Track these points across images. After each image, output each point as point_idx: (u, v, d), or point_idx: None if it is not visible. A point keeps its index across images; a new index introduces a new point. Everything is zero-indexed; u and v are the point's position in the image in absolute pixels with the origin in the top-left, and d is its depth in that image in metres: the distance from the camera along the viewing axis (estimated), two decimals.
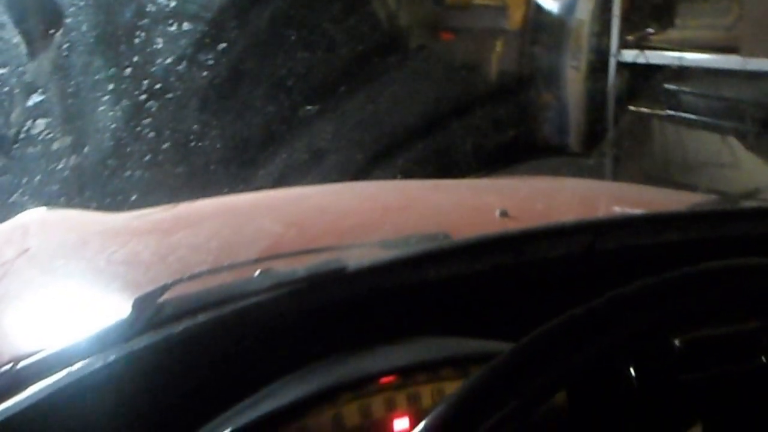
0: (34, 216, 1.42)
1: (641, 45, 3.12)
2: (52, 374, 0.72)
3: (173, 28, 1.94)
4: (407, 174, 1.90)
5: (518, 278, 0.94)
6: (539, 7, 3.40)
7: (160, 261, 1.10)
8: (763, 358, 0.92)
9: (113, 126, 1.72)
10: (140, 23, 1.91)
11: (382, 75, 2.42)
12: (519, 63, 3.41)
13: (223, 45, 1.94)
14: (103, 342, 0.83)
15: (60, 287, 1.06)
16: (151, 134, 1.72)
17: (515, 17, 3.43)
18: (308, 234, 1.22)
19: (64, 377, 0.69)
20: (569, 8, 3.32)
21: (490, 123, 2.71)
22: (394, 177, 1.80)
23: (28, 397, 0.67)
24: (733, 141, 2.69)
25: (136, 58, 1.89)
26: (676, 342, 0.89)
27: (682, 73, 2.95)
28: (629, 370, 0.87)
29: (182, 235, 1.20)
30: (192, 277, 0.86)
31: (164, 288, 0.81)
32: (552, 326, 0.60)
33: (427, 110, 2.43)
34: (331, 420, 0.72)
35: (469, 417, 0.55)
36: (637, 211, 1.19)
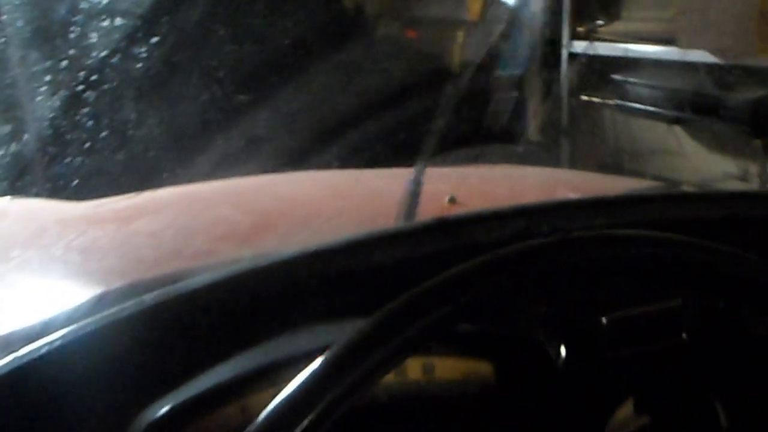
0: None
1: (591, 36, 3.20)
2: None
3: (106, 23, 1.98)
4: (363, 161, 1.96)
5: (456, 261, 0.98)
6: None
7: (117, 248, 1.14)
8: (684, 335, 0.98)
9: (52, 115, 1.75)
10: (74, 19, 1.95)
11: (334, 62, 2.47)
12: (477, 53, 3.45)
13: (156, 39, 1.98)
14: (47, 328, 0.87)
15: (16, 276, 1.09)
16: (89, 123, 1.75)
17: (474, 8, 3.48)
18: (264, 221, 1.26)
19: (8, 362, 0.71)
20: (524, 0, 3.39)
21: (450, 113, 2.76)
22: (349, 164, 1.85)
23: None
24: (678, 129, 2.78)
25: (71, 52, 1.92)
26: (603, 320, 0.95)
27: (628, 63, 3.03)
28: (558, 348, 0.92)
29: (141, 223, 1.23)
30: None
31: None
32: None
33: (381, 97, 2.49)
34: (271, 398, 0.76)
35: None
36: (572, 196, 1.24)
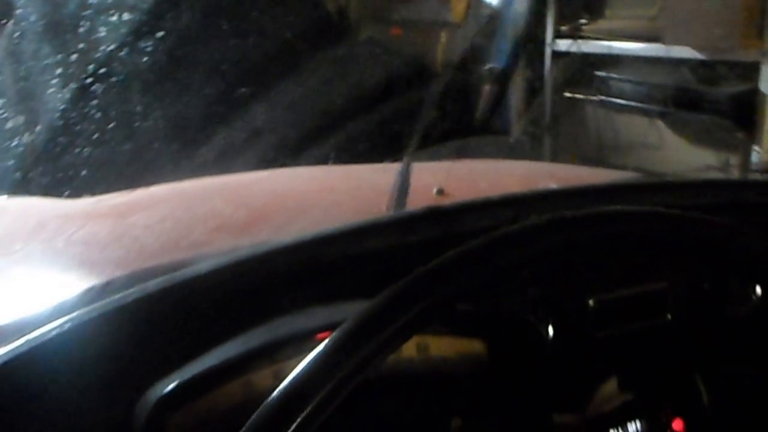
0: None
1: (574, 35, 3.26)
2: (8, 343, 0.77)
3: (114, 18, 2.03)
4: (351, 158, 2.01)
5: (449, 248, 1.02)
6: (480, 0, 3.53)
7: (116, 240, 1.16)
8: (669, 316, 1.02)
9: (63, 107, 1.79)
10: (84, 14, 2.01)
11: (318, 64, 2.52)
12: (462, 52, 3.50)
13: (161, 33, 2.04)
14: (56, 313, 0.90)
15: (20, 268, 1.11)
16: (98, 114, 1.79)
17: (458, 10, 3.53)
18: (258, 214, 1.29)
19: (21, 344, 0.74)
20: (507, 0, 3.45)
21: (435, 109, 2.82)
22: (338, 161, 1.89)
23: None
24: (659, 123, 2.84)
25: (81, 45, 1.97)
26: (590, 302, 0.98)
27: (611, 60, 3.10)
28: (547, 328, 0.96)
29: (137, 217, 1.26)
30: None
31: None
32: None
33: (366, 97, 2.55)
34: (272, 375, 0.79)
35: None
36: (558, 185, 1.28)
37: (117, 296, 0.80)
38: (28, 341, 0.75)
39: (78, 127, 1.74)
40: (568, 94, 3.26)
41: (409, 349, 0.87)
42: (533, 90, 3.33)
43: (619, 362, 1.02)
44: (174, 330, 0.81)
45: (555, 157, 3.18)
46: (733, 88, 2.62)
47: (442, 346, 0.89)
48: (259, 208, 1.31)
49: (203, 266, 0.86)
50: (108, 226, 1.22)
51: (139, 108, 1.99)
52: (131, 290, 0.81)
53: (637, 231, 0.74)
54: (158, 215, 1.27)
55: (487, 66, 3.35)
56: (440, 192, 1.34)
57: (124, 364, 0.78)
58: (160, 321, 0.81)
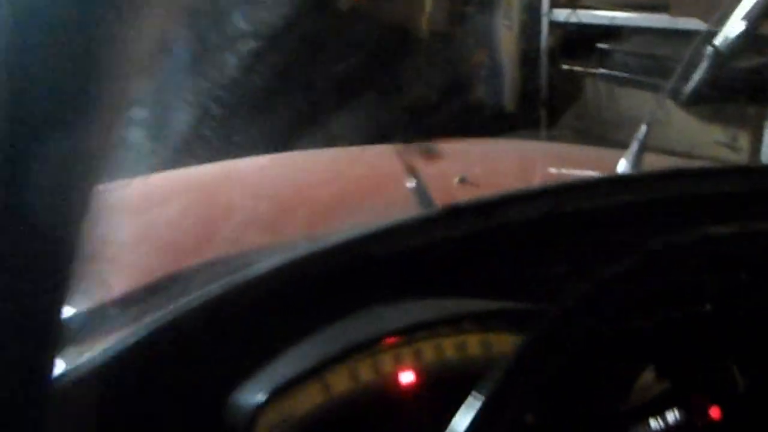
0: None
1: (573, 4, 3.18)
2: None
3: (243, 45, 2.31)
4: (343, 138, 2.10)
5: (489, 241, 1.01)
6: None
7: (142, 240, 1.13)
8: (708, 305, 1.02)
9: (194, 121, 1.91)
10: (220, 44, 2.29)
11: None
12: (450, 22, 3.46)
13: (271, 57, 2.31)
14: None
15: None
16: (218, 129, 1.90)
17: None
18: (280, 207, 1.26)
19: (100, 354, 0.73)
20: None
21: (424, 85, 2.85)
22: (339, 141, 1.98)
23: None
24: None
25: (213, 71, 2.21)
26: None
27: (613, 31, 3.04)
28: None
29: (156, 212, 1.22)
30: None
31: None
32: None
33: (362, 73, 2.62)
34: (347, 376, 0.80)
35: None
36: (593, 174, 1.27)
37: (182, 301, 0.79)
38: (107, 349, 0.74)
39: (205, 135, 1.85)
40: (566, 67, 3.19)
41: (473, 347, 0.87)
42: (528, 61, 3.27)
43: (657, 352, 1.03)
44: (247, 332, 0.81)
45: (553, 133, 3.15)
46: (747, 62, 2.58)
47: (503, 343, 0.88)
48: (282, 201, 1.28)
49: (266, 265, 0.85)
50: (128, 224, 1.18)
51: (246, 121, 2.15)
52: (197, 294, 0.80)
53: None
54: (177, 210, 1.23)
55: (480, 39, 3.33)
56: (463, 180, 1.33)
57: (203, 369, 0.78)
58: (231, 324, 0.81)
